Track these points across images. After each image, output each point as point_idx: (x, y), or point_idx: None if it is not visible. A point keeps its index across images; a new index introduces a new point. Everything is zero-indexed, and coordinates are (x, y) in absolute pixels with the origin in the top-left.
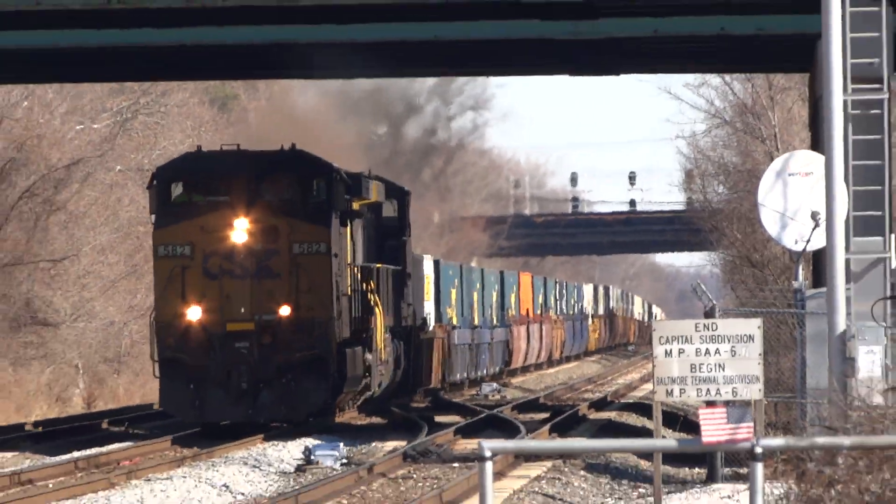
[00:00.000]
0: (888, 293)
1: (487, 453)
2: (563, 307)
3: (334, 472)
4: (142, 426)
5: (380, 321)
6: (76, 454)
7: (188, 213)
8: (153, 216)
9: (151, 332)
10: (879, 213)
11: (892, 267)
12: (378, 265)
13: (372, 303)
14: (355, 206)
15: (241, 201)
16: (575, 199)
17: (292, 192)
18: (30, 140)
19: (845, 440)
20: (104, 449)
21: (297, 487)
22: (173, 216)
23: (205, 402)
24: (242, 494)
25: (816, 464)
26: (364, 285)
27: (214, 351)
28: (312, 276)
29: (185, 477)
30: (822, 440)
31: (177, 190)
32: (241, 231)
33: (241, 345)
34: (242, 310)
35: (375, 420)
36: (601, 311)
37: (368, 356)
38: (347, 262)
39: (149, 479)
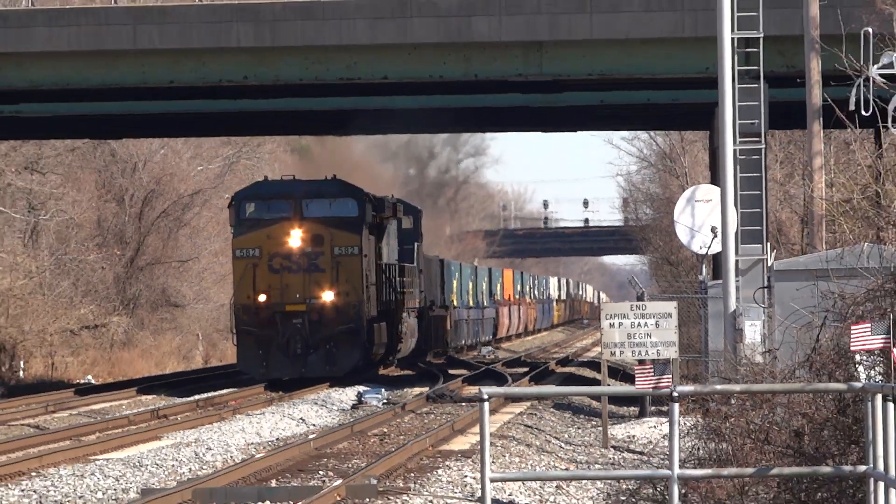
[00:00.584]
0: (764, 284)
1: (485, 396)
2: (536, 293)
3: (378, 409)
4: (241, 378)
5: (401, 303)
6: (197, 396)
7: (257, 225)
8: (232, 228)
9: (231, 312)
10: (758, 227)
11: (768, 265)
12: (398, 263)
13: (395, 290)
14: (381, 219)
15: (296, 216)
16: (546, 219)
17: (332, 209)
18: (164, 176)
19: (736, 387)
20: (216, 393)
21: (351, 420)
22: (247, 227)
23: (269, 363)
24: (314, 424)
25: (716, 404)
26: (388, 277)
27: (276, 325)
28: (348, 271)
29: (273, 412)
30: (720, 387)
31: (249, 208)
32: (296, 238)
33: (296, 321)
34: (297, 295)
35: (406, 373)
36: (563, 296)
37: (394, 328)
38: (375, 261)
39: (248, 414)
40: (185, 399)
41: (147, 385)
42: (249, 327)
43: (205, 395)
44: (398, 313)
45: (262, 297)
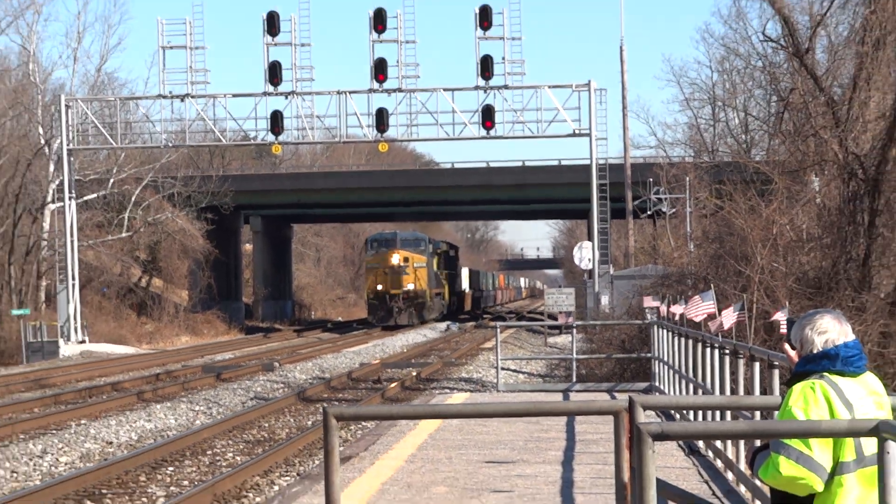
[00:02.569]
0: (610, 281)
1: (498, 327)
2: (514, 285)
3: (454, 331)
4: (368, 323)
5: (446, 290)
6: (354, 331)
7: (377, 252)
8: (365, 253)
9: (366, 293)
10: (606, 258)
11: (611, 273)
12: (447, 271)
13: (443, 283)
14: (437, 251)
15: (395, 248)
16: (522, 255)
17: (413, 246)
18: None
19: (598, 322)
20: (364, 329)
21: (443, 335)
22: (373, 252)
23: (381, 318)
24: (426, 336)
25: (591, 329)
26: (440, 278)
27: (386, 300)
28: (419, 274)
29: (409, 332)
30: (591, 322)
31: (373, 243)
32: (395, 258)
33: (396, 298)
34: (397, 285)
35: (465, 317)
36: (526, 286)
37: (443, 301)
38: (434, 269)
39: (383, 339)
40: (346, 334)
41: (359, 320)
42: (373, 301)
43: (359, 329)
44: (445, 294)
45: (380, 287)
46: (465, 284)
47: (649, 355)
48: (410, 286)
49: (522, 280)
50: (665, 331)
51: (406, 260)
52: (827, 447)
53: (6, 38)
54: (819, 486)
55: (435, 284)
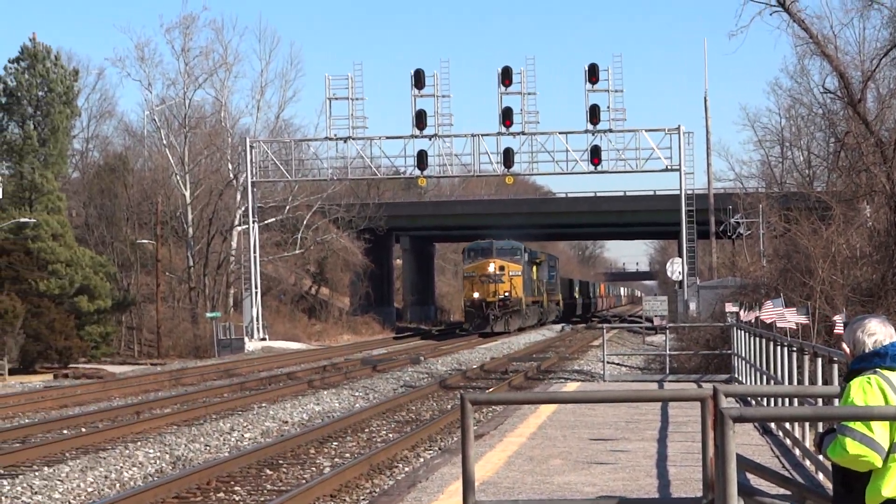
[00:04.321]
0: (697, 290)
1: (604, 328)
2: (613, 293)
3: (567, 331)
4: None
5: (545, 298)
6: (459, 336)
7: (474, 260)
8: (463, 262)
9: (462, 301)
10: (693, 271)
11: (697, 283)
12: (544, 280)
13: (541, 291)
14: (537, 259)
15: (490, 256)
16: (624, 268)
17: (508, 254)
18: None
19: (687, 325)
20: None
21: (558, 335)
22: (470, 261)
23: (478, 325)
24: (544, 336)
25: (681, 330)
26: (539, 286)
27: (482, 307)
28: (515, 282)
29: (528, 333)
30: (684, 325)
31: (470, 252)
32: (492, 266)
33: (491, 305)
34: (492, 293)
35: (573, 321)
36: (625, 294)
37: (541, 309)
38: (532, 278)
39: (509, 338)
40: (461, 337)
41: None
42: (470, 308)
43: (468, 335)
44: (544, 302)
45: (476, 295)
46: (576, 293)
47: (729, 352)
48: (506, 294)
49: (622, 289)
50: (742, 332)
51: (502, 268)
52: (885, 430)
53: (203, 91)
54: (878, 463)
55: (531, 292)
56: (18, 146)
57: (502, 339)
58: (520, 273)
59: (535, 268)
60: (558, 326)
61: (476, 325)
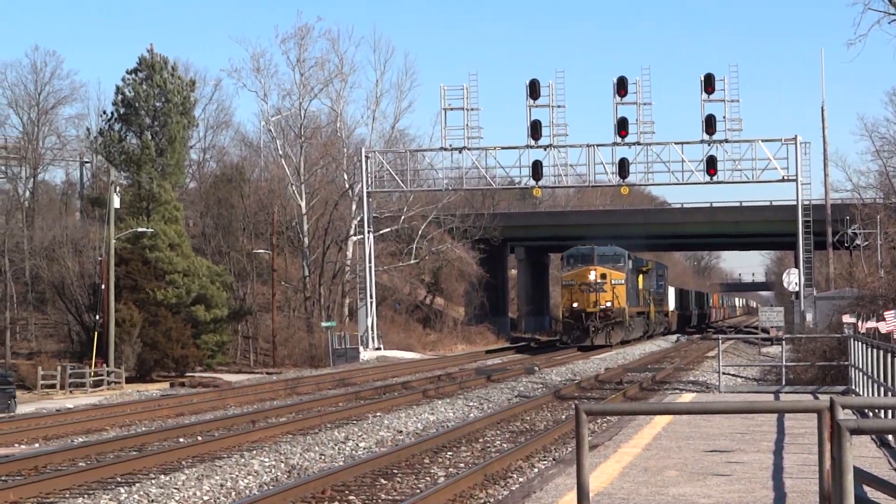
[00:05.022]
0: (813, 301)
1: (720, 339)
2: (727, 304)
3: (683, 342)
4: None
5: (651, 309)
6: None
7: (573, 267)
8: (561, 269)
9: (561, 311)
10: (810, 282)
11: (815, 294)
12: (651, 290)
13: (647, 302)
14: (644, 268)
15: (591, 263)
16: (740, 279)
17: (611, 261)
18: None
19: (803, 336)
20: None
21: (673, 346)
22: (569, 268)
23: (576, 337)
24: (658, 346)
25: (797, 341)
26: (645, 296)
27: (583, 318)
28: (618, 291)
29: (630, 347)
30: (800, 336)
31: (570, 259)
32: (593, 274)
33: (592, 316)
34: (593, 303)
35: (688, 332)
36: (741, 304)
37: (647, 321)
38: (638, 287)
39: (623, 349)
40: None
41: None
42: (568, 319)
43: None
44: (651, 313)
45: (576, 304)
46: (691, 304)
47: (846, 363)
48: (608, 304)
49: (737, 300)
50: (860, 343)
51: (603, 276)
52: None
53: (318, 101)
54: None
55: (635, 302)
56: (136, 156)
57: (614, 350)
58: (623, 281)
59: (640, 276)
60: (673, 337)
61: (575, 338)
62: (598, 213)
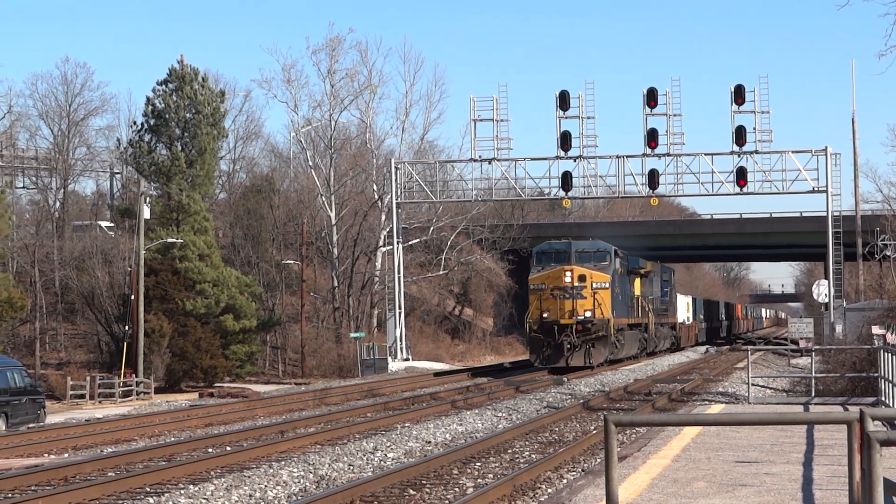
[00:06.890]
0: (843, 312)
1: (749, 350)
2: (751, 315)
3: (712, 354)
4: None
5: (650, 319)
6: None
7: (544, 267)
8: (530, 270)
9: (525, 324)
10: (840, 293)
11: (844, 305)
12: (651, 297)
13: (646, 312)
14: (641, 269)
15: (567, 262)
16: (769, 290)
17: (593, 259)
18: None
19: (833, 347)
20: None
21: (702, 357)
22: (538, 268)
23: (546, 357)
24: (687, 357)
25: (827, 352)
26: (643, 305)
27: (554, 333)
28: (600, 297)
29: (660, 358)
30: (830, 347)
31: (540, 256)
32: (568, 275)
33: (567, 330)
34: (568, 312)
35: (717, 343)
36: (766, 316)
37: (643, 335)
38: (631, 294)
39: (653, 360)
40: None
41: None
42: (536, 334)
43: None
44: (650, 326)
45: (545, 315)
46: (722, 315)
47: (876, 375)
48: (587, 313)
49: (763, 311)
50: (890, 354)
51: (582, 278)
52: None
53: (348, 112)
54: None
55: (625, 312)
56: (166, 167)
57: (643, 361)
58: (607, 285)
59: (637, 280)
60: (702, 348)
61: (545, 357)
62: (627, 224)
